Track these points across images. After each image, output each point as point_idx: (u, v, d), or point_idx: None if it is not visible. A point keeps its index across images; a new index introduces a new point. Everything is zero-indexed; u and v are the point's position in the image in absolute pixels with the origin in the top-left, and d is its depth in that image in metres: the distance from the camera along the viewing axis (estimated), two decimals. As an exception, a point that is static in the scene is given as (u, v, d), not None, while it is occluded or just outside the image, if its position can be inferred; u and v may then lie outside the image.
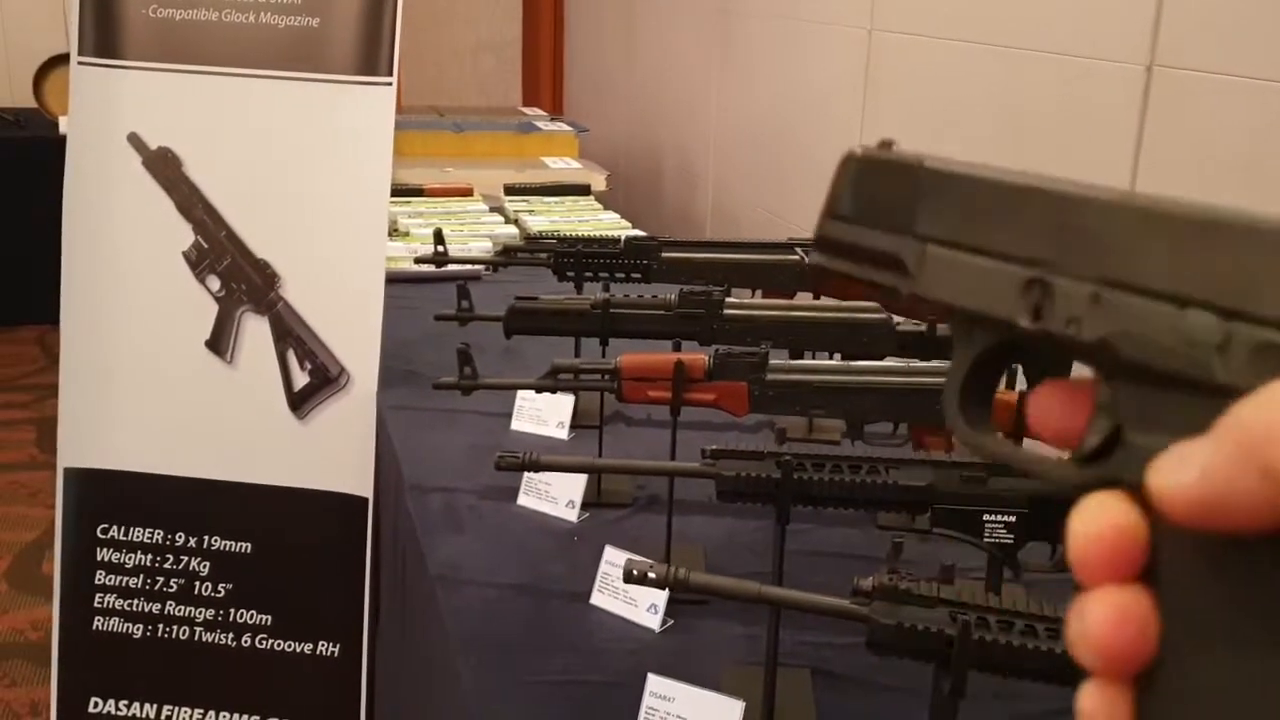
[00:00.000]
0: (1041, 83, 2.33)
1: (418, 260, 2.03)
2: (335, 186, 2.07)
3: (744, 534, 1.60)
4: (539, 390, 1.45)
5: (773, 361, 1.42)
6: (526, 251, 1.92)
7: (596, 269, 1.87)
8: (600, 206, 3.35)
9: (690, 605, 1.41)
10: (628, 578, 0.95)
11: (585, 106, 5.19)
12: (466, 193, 3.34)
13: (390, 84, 2.05)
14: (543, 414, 1.88)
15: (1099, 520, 0.35)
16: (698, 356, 1.44)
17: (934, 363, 1.42)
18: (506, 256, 1.92)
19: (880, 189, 0.45)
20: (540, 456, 1.22)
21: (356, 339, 2.08)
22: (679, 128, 4.23)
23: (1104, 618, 0.34)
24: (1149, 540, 0.35)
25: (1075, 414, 0.40)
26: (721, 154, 3.89)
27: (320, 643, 2.12)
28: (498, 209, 3.20)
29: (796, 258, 1.91)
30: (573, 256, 1.85)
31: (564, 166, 3.85)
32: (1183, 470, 0.33)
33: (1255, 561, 0.33)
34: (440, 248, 1.96)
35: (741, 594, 0.93)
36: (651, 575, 0.94)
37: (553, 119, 4.45)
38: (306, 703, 2.13)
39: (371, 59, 2.05)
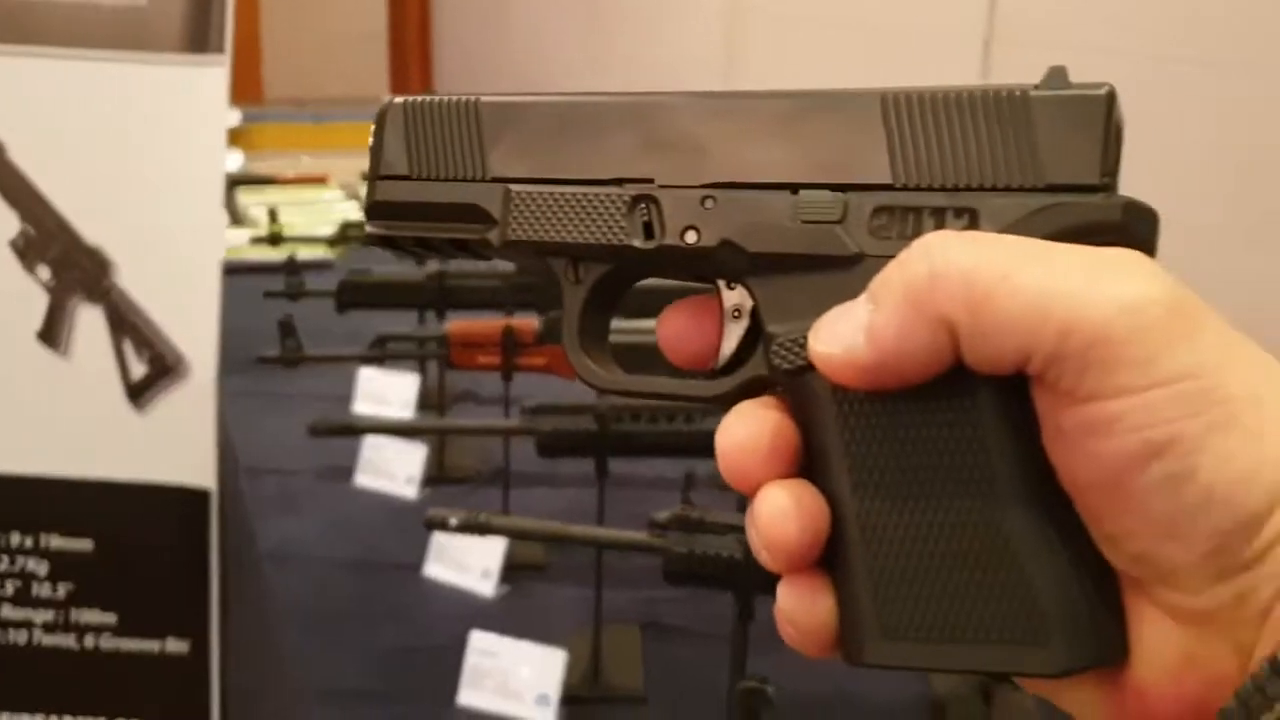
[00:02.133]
0: (892, 59, 2.39)
1: (254, 241, 1.99)
2: (167, 170, 2.00)
3: (585, 503, 1.60)
4: (365, 361, 1.43)
5: (602, 324, 1.43)
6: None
7: (438, 244, 1.85)
8: (460, 193, 3.32)
9: (525, 571, 1.41)
10: (429, 524, 0.94)
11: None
12: (321, 181, 3.29)
13: (223, 63, 2.00)
14: (385, 394, 1.85)
15: (739, 428, 0.36)
16: (528, 321, 1.44)
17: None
18: (344, 233, 1.89)
19: (438, 137, 0.42)
20: (355, 421, 1.21)
21: (194, 326, 2.01)
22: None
23: (773, 516, 0.35)
24: (798, 431, 0.36)
25: (706, 331, 0.40)
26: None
27: (169, 639, 2.06)
28: (354, 196, 3.16)
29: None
30: (412, 232, 1.83)
31: (428, 155, 3.81)
32: (847, 335, 0.33)
33: (920, 410, 0.34)
34: (275, 226, 1.93)
35: (540, 533, 0.93)
36: (452, 521, 0.93)
37: (417, 109, 4.40)
38: (156, 702, 2.07)
39: (201, 37, 1.99)
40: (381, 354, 1.40)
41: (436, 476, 1.66)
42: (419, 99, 0.42)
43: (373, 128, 0.43)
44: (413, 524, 1.54)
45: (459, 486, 1.66)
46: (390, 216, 0.43)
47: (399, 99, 0.43)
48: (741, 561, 0.86)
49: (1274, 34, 1.51)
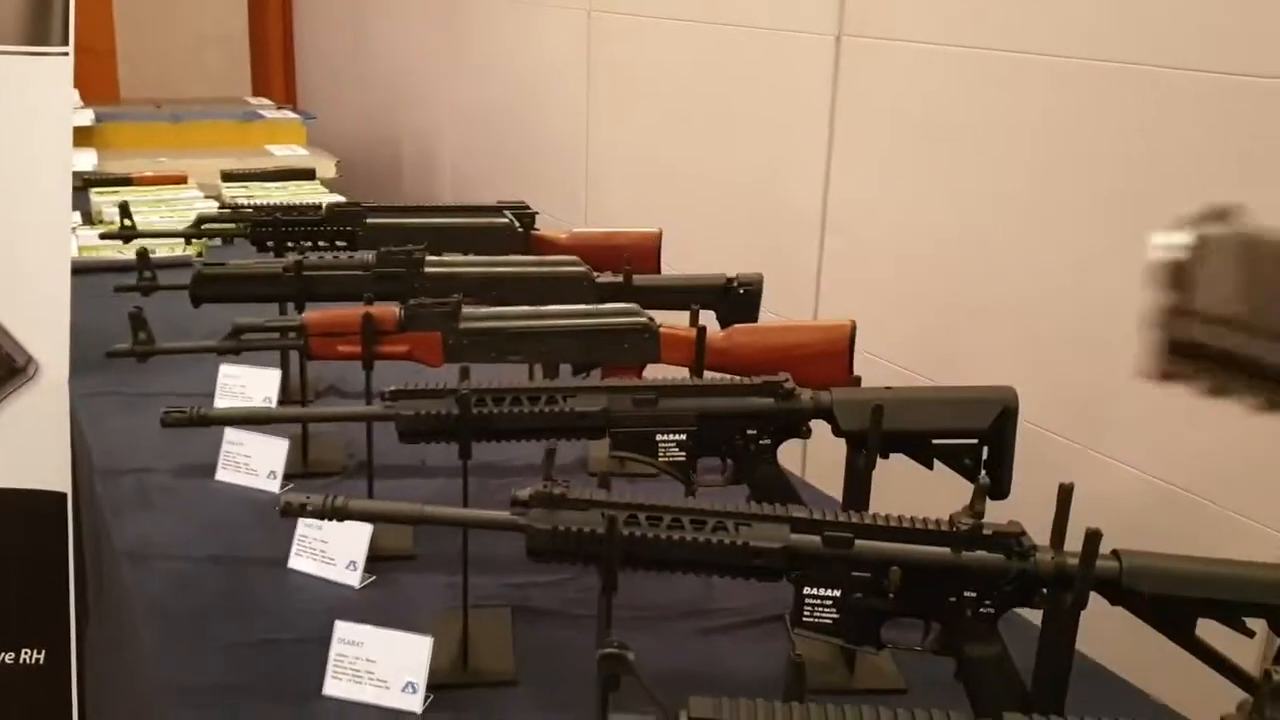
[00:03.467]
0: (746, 57, 2.42)
1: (103, 236, 1.92)
2: (10, 166, 1.94)
3: (453, 491, 1.59)
4: (221, 352, 1.40)
5: (465, 310, 1.42)
6: (224, 222, 1.85)
7: (298, 237, 1.82)
8: (326, 191, 3.26)
9: (392, 561, 1.40)
10: (285, 511, 0.92)
11: (319, 96, 5.06)
12: (180, 181, 3.19)
13: (66, 54, 1.93)
14: (248, 390, 1.81)
15: None
16: (388, 309, 1.43)
17: (621, 305, 1.44)
18: (200, 228, 1.84)
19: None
20: (208, 411, 1.18)
21: (44, 327, 1.96)
22: (414, 114, 4.18)
23: None
24: None
25: None
26: (458, 139, 3.87)
27: (24, 649, 1.99)
28: (214, 196, 3.08)
29: (505, 220, 1.91)
30: (271, 225, 1.79)
31: (290, 154, 3.74)
32: None
33: None
34: (127, 221, 1.87)
35: (399, 515, 0.92)
36: (309, 507, 0.92)
37: (279, 108, 4.33)
38: (11, 715, 2.00)
39: (43, 28, 1.92)
40: (237, 345, 1.36)
41: (300, 471, 1.64)
42: (1252, 230, 0.34)
43: (1184, 249, 0.34)
44: (276, 519, 1.51)
45: (324, 479, 1.64)
46: (1200, 357, 0.37)
47: (1216, 230, 0.35)
48: (604, 535, 0.87)
49: (1129, 28, 1.56)
